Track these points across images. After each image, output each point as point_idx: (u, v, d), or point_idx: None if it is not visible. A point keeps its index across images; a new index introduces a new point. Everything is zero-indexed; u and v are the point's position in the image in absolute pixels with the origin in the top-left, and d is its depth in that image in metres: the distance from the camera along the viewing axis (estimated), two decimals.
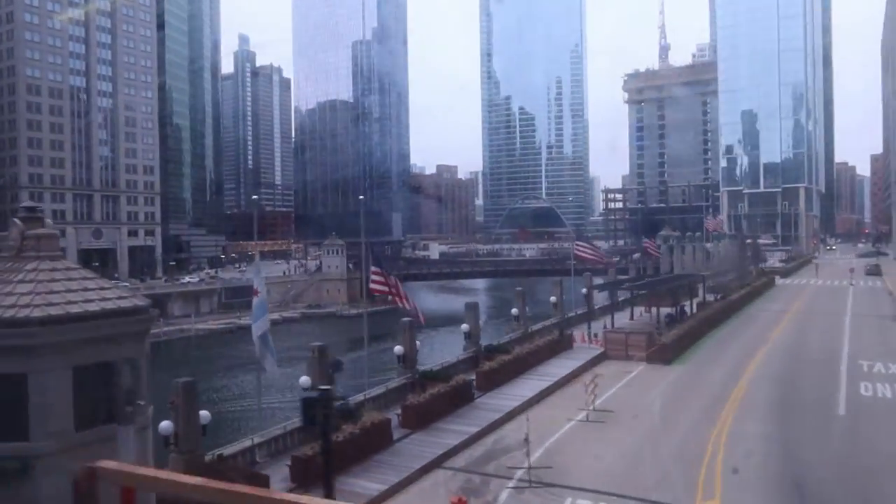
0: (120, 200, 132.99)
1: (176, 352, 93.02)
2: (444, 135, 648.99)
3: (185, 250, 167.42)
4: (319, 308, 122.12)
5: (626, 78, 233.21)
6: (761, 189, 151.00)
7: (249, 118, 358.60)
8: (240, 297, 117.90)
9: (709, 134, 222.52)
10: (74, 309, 10.96)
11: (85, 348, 10.99)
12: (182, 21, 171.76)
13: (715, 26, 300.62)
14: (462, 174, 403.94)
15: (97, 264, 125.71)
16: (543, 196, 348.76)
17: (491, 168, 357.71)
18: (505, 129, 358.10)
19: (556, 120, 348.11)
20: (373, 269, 33.80)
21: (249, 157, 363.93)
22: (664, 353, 37.45)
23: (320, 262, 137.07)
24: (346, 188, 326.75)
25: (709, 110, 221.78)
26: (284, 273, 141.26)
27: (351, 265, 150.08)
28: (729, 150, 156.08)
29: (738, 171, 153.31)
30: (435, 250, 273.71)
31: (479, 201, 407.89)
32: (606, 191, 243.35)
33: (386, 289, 32.12)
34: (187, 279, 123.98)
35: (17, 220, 11.91)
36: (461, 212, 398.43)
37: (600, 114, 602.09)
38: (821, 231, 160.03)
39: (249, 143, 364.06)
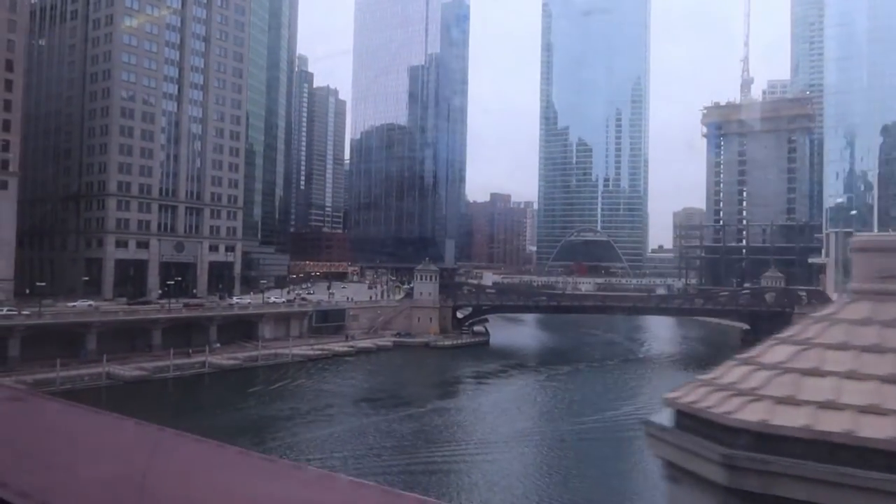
0: (203, 213, 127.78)
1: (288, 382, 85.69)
2: (498, 163, 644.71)
3: (255, 268, 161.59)
4: (410, 337, 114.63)
5: (704, 111, 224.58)
6: (875, 232, 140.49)
7: (304, 138, 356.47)
8: (330, 321, 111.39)
9: (796, 172, 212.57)
10: None
11: None
12: (260, 42, 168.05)
13: (796, 62, 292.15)
14: (515, 203, 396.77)
15: (179, 278, 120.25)
16: (599, 229, 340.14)
17: (545, 199, 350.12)
18: (561, 160, 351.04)
19: (616, 153, 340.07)
20: None
21: (302, 178, 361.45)
22: None
23: (412, 288, 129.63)
24: (399, 213, 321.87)
25: (796, 147, 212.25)
26: (371, 298, 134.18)
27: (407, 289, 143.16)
28: (836, 188, 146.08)
29: (852, 213, 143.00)
30: (488, 279, 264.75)
31: (532, 232, 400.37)
32: (681, 227, 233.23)
33: None
34: (273, 299, 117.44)
35: None
36: (513, 242, 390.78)
37: (668, 147, 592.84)
38: None
39: (303, 163, 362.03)
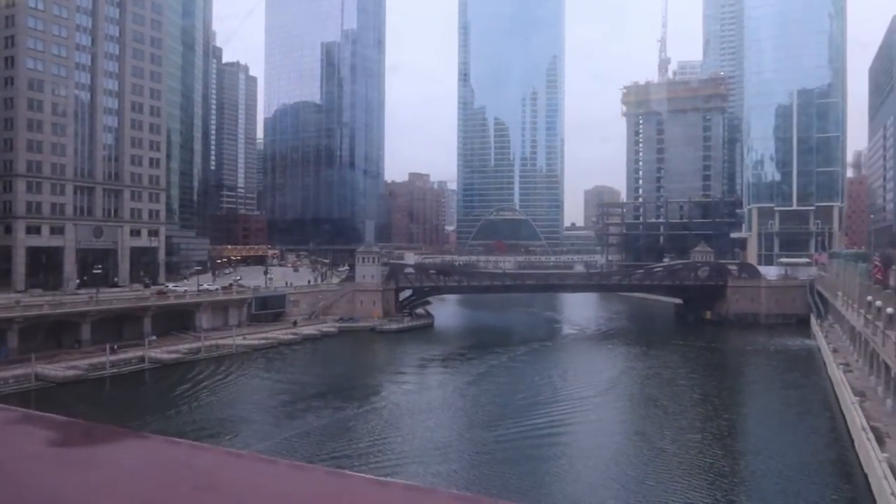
0: (123, 195, 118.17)
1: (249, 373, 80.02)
2: (418, 142, 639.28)
3: (176, 254, 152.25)
4: (354, 321, 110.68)
5: (624, 90, 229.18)
6: (794, 207, 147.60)
7: (213, 117, 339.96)
8: (270, 307, 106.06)
9: (711, 150, 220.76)
10: None
11: None
12: (175, 11, 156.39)
13: (708, 43, 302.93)
14: (434, 183, 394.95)
15: (99, 267, 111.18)
16: (517, 208, 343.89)
17: (464, 178, 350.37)
18: (479, 139, 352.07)
19: (532, 132, 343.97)
20: None
21: (212, 158, 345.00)
22: None
23: (349, 271, 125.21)
24: (317, 194, 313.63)
25: (711, 126, 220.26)
26: (309, 282, 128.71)
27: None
28: (757, 165, 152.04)
29: (770, 188, 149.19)
30: (410, 260, 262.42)
31: (451, 212, 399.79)
32: (603, 205, 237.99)
33: None
34: (206, 286, 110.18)
35: None
36: (432, 222, 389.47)
37: (582, 126, 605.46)
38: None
39: (213, 142, 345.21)
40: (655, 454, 48.53)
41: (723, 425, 57.20)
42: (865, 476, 41.13)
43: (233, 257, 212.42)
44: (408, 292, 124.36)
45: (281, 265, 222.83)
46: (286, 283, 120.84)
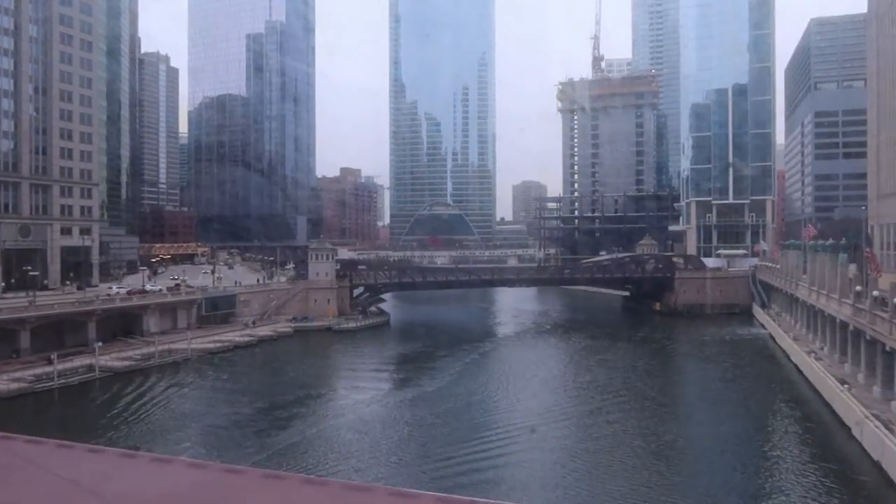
0: (52, 191, 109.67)
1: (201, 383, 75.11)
2: (350, 138, 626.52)
3: (106, 253, 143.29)
4: (308, 321, 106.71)
5: (559, 86, 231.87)
6: (730, 200, 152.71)
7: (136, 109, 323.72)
8: (220, 308, 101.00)
9: (644, 146, 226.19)
10: None
11: None
12: None
13: (637, 43, 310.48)
14: (366, 178, 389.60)
15: (28, 268, 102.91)
16: (450, 203, 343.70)
17: (397, 173, 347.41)
18: (411, 134, 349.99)
19: (464, 128, 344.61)
20: None
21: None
22: None
23: (297, 268, 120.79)
24: (246, 189, 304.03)
25: (643, 122, 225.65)
26: (259, 281, 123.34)
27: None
28: (695, 160, 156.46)
29: (708, 183, 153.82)
30: (344, 256, 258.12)
31: (384, 207, 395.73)
32: (539, 199, 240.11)
33: None
34: (148, 287, 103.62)
35: None
36: (364, 217, 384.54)
37: (512, 121, 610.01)
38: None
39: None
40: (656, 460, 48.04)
41: (714, 423, 57.13)
42: (877, 464, 41.74)
43: (161, 256, 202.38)
44: (359, 289, 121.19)
45: (210, 263, 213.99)
46: (235, 283, 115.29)
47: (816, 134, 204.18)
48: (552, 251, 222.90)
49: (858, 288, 53.49)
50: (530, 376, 73.82)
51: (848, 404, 50.46)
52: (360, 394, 66.10)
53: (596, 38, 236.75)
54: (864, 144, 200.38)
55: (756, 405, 62.44)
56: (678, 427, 54.59)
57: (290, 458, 45.75)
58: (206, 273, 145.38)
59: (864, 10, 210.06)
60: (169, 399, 65.17)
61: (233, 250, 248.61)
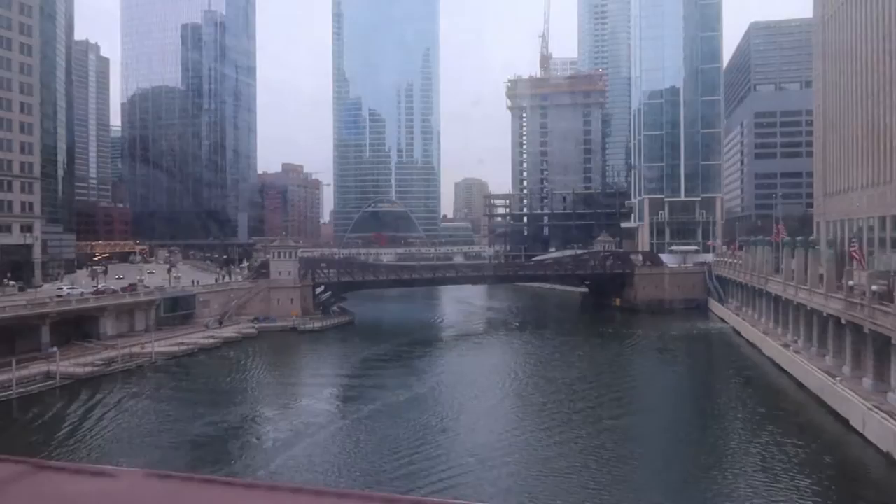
0: None
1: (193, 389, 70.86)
2: (293, 133, 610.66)
3: (44, 251, 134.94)
4: (271, 321, 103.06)
5: (508, 84, 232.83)
6: (682, 198, 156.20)
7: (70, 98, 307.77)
8: (179, 309, 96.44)
9: (591, 144, 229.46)
10: None
11: None
12: None
13: (583, 42, 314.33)
14: (308, 174, 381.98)
15: None
16: (394, 200, 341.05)
17: (340, 170, 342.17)
18: (355, 130, 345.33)
19: (408, 124, 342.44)
20: None
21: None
22: None
23: (261, 266, 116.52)
24: (185, 185, 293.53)
25: (591, 120, 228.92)
26: (218, 280, 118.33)
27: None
28: (648, 158, 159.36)
29: (661, 180, 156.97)
30: None
31: (326, 204, 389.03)
32: (489, 196, 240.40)
33: None
34: (100, 286, 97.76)
35: None
36: (307, 214, 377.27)
37: (455, 118, 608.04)
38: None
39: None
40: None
41: (707, 422, 57.31)
42: (888, 455, 42.51)
43: (99, 254, 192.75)
44: (319, 288, 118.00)
45: (149, 262, 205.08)
46: (192, 282, 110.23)
47: (756, 134, 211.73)
48: (500, 248, 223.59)
49: (852, 282, 54.71)
50: (523, 375, 72.82)
51: (844, 396, 51.51)
52: (352, 403, 63.82)
53: (544, 37, 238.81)
54: (800, 144, 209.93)
55: (746, 400, 62.91)
56: (680, 429, 54.56)
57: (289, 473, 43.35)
58: (151, 272, 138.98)
59: (801, 14, 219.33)
60: (140, 408, 61.03)
61: (173, 248, 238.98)
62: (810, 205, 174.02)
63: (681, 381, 71.12)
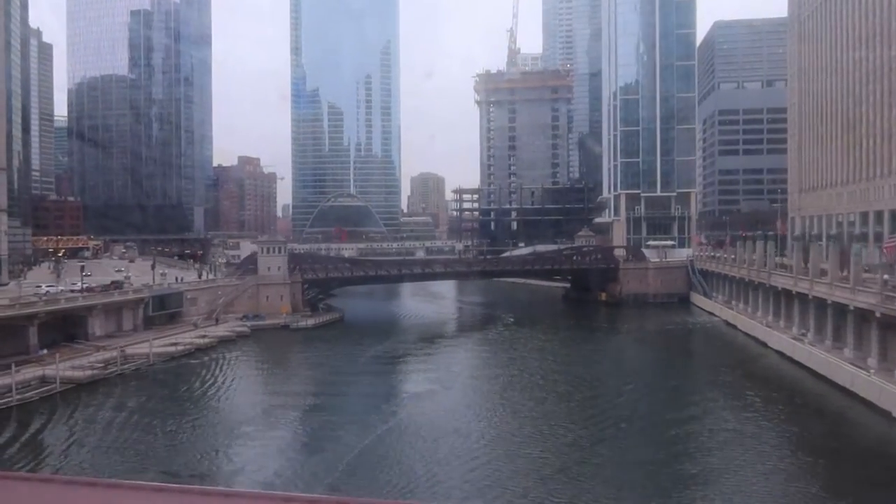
0: None
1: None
2: (251, 126, 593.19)
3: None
4: (262, 319, 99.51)
5: (476, 78, 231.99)
6: (658, 193, 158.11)
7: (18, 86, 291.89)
8: (168, 307, 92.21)
9: (559, 139, 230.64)
10: None
11: None
12: None
13: (548, 38, 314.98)
14: (265, 167, 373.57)
15: None
16: (353, 194, 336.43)
17: (298, 163, 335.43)
18: (313, 123, 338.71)
19: (367, 118, 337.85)
20: None
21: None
22: None
23: (244, 262, 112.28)
24: (137, 177, 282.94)
25: (558, 116, 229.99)
26: (201, 276, 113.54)
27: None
28: (625, 154, 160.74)
29: (637, 176, 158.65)
30: (247, 249, 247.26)
31: (284, 198, 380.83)
32: (458, 190, 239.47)
33: None
34: (79, 285, 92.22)
35: None
36: (263, 208, 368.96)
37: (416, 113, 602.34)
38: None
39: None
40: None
41: (744, 423, 57.33)
42: None
43: (54, 249, 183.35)
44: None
45: (96, 259, 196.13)
46: (177, 279, 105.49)
47: (720, 131, 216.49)
48: (470, 244, 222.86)
49: (886, 276, 55.56)
50: (536, 375, 71.75)
51: (884, 389, 52.23)
52: (392, 402, 61.61)
53: (512, 32, 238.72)
54: (761, 142, 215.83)
55: (767, 395, 63.06)
56: (717, 436, 54.37)
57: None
58: (118, 270, 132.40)
59: (762, 15, 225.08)
60: (158, 414, 57.08)
61: (129, 243, 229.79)
62: (773, 201, 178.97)
63: (713, 376, 70.96)
